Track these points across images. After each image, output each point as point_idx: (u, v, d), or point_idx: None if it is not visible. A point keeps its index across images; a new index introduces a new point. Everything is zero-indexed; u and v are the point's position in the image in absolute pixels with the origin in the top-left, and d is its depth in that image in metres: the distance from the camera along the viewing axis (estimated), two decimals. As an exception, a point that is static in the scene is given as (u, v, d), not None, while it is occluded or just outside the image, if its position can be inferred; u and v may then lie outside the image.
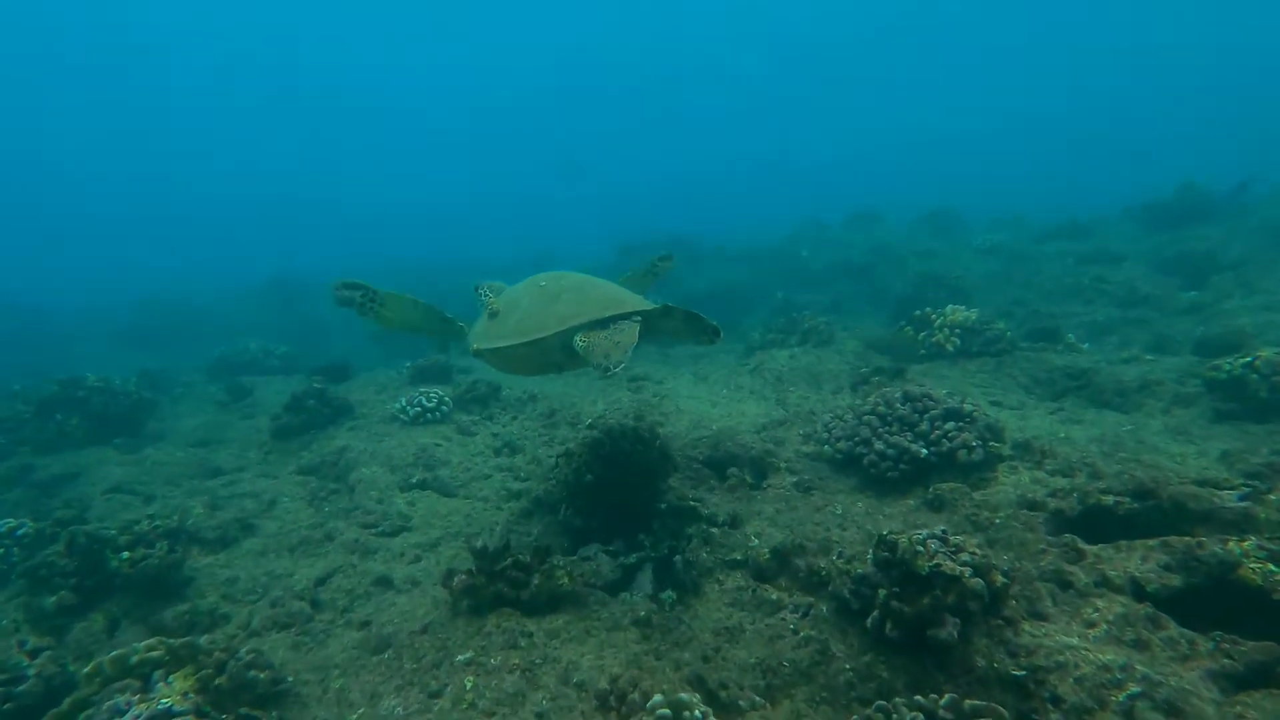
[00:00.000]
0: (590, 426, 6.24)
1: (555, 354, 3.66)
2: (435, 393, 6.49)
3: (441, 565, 4.33)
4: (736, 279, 16.91)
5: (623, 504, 4.57)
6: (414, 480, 5.38)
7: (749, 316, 14.51)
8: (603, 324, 3.42)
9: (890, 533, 3.11)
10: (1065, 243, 13.11)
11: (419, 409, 6.31)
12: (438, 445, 5.85)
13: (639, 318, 3.46)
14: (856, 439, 4.48)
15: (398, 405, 6.43)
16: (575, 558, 4.33)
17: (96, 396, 6.24)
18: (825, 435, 4.77)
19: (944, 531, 3.13)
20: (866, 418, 4.51)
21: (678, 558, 4.12)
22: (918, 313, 7.23)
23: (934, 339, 6.82)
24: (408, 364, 8.94)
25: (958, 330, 6.76)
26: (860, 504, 4.19)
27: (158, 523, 4.03)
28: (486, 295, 4.31)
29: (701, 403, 6.35)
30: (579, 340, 3.39)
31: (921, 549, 2.99)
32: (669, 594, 3.99)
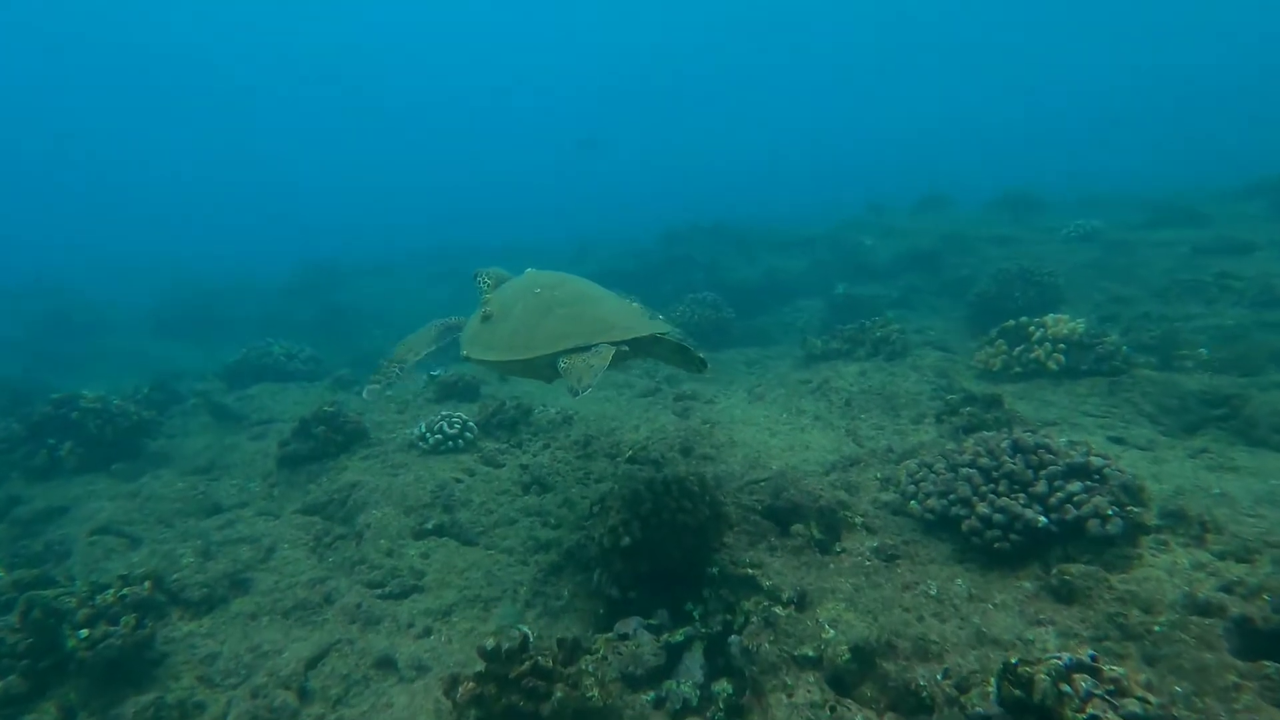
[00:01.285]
0: (630, 460, 5.65)
1: (543, 370, 3.79)
2: (459, 417, 5.96)
3: (455, 643, 3.80)
4: (792, 269, 16.09)
5: (667, 568, 3.98)
6: (430, 525, 4.86)
7: (804, 312, 13.73)
8: (587, 348, 3.49)
9: (1021, 662, 2.41)
10: (1175, 229, 11.86)
11: (440, 436, 5.80)
12: (458, 481, 5.32)
13: (626, 346, 3.53)
14: (952, 497, 3.75)
15: (417, 431, 5.93)
16: (611, 635, 3.76)
17: (91, 419, 5.92)
18: (911, 487, 4.05)
19: (1092, 657, 2.42)
20: (965, 471, 3.78)
21: (733, 639, 3.51)
22: (1011, 323, 6.37)
23: (1032, 355, 5.98)
24: (435, 373, 8.49)
25: (1061, 345, 5.90)
26: (960, 582, 3.48)
27: (125, 592, 3.58)
28: (485, 285, 4.44)
29: (758, 431, 5.67)
30: (562, 362, 3.51)
31: (1069, 690, 2.29)
32: (723, 687, 3.39)
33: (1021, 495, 3.53)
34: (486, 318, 3.96)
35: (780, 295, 15.64)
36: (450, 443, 5.80)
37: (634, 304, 4.11)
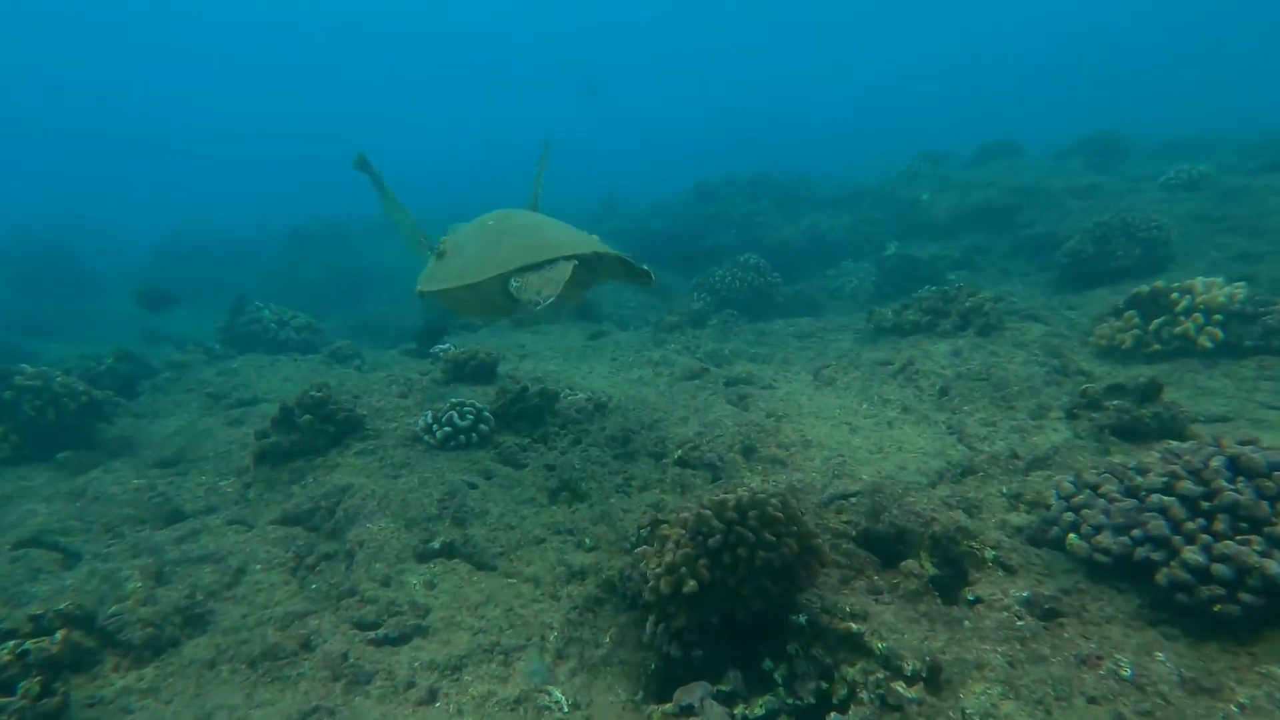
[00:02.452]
0: (681, 462, 4.73)
1: (495, 297, 3.86)
2: (471, 405, 5.10)
3: (467, 717, 2.98)
4: (836, 227, 15.00)
5: (740, 616, 3.13)
6: (436, 544, 4.03)
7: (851, 275, 12.70)
8: (537, 266, 3.62)
9: None
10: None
11: (449, 429, 4.95)
12: (472, 486, 4.48)
13: (575, 261, 3.61)
14: (1138, 534, 2.84)
15: (422, 422, 5.08)
16: (671, 709, 2.94)
17: (28, 399, 5.12)
18: (1066, 513, 3.13)
19: None
20: (1158, 499, 2.85)
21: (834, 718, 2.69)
22: (1144, 289, 5.34)
23: (1177, 329, 4.98)
24: (444, 346, 7.64)
25: (1217, 316, 4.89)
26: (1163, 659, 2.58)
27: (27, 647, 2.79)
28: (444, 237, 4.45)
29: (835, 427, 4.76)
30: (514, 282, 3.61)
31: None
32: (826, 792, 2.55)
33: (1256, 538, 2.60)
34: (440, 255, 4.16)
35: (823, 257, 14.59)
36: (462, 436, 4.96)
37: (583, 231, 4.17)
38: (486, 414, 5.14)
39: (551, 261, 3.66)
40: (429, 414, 5.13)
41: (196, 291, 19.02)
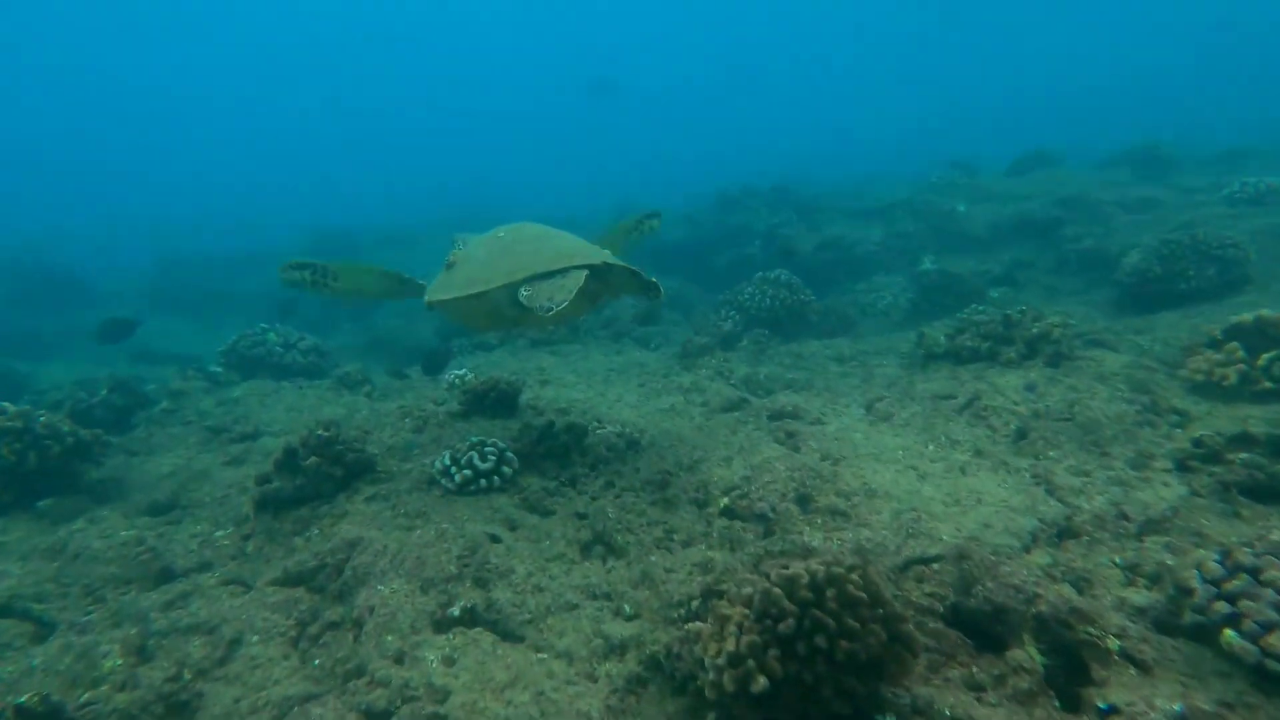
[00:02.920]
0: (728, 512, 4.28)
1: (505, 308, 3.86)
2: (493, 445, 4.67)
3: (494, 845, 2.53)
4: (866, 239, 14.57)
5: (817, 718, 2.69)
6: (456, 610, 3.58)
7: (883, 291, 12.25)
8: (548, 275, 3.65)
9: None
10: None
11: (469, 472, 4.52)
12: (495, 539, 4.04)
13: (587, 270, 3.62)
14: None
15: (440, 463, 4.65)
16: (738, 837, 2.50)
17: (6, 442, 4.68)
18: (1219, 605, 2.65)
19: None
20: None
21: None
22: (1247, 318, 4.82)
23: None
24: (461, 373, 7.24)
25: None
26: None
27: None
28: (457, 246, 4.54)
29: (901, 472, 4.29)
30: (523, 291, 3.63)
31: None
32: None
33: None
34: (449, 266, 4.19)
35: (853, 271, 14.13)
36: (483, 480, 4.52)
37: (592, 244, 4.21)
38: (509, 454, 4.70)
39: (563, 270, 3.68)
40: (447, 455, 4.69)
41: (202, 304, 18.83)
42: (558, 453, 4.82)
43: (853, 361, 7.59)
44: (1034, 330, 5.70)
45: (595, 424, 5.64)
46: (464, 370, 7.31)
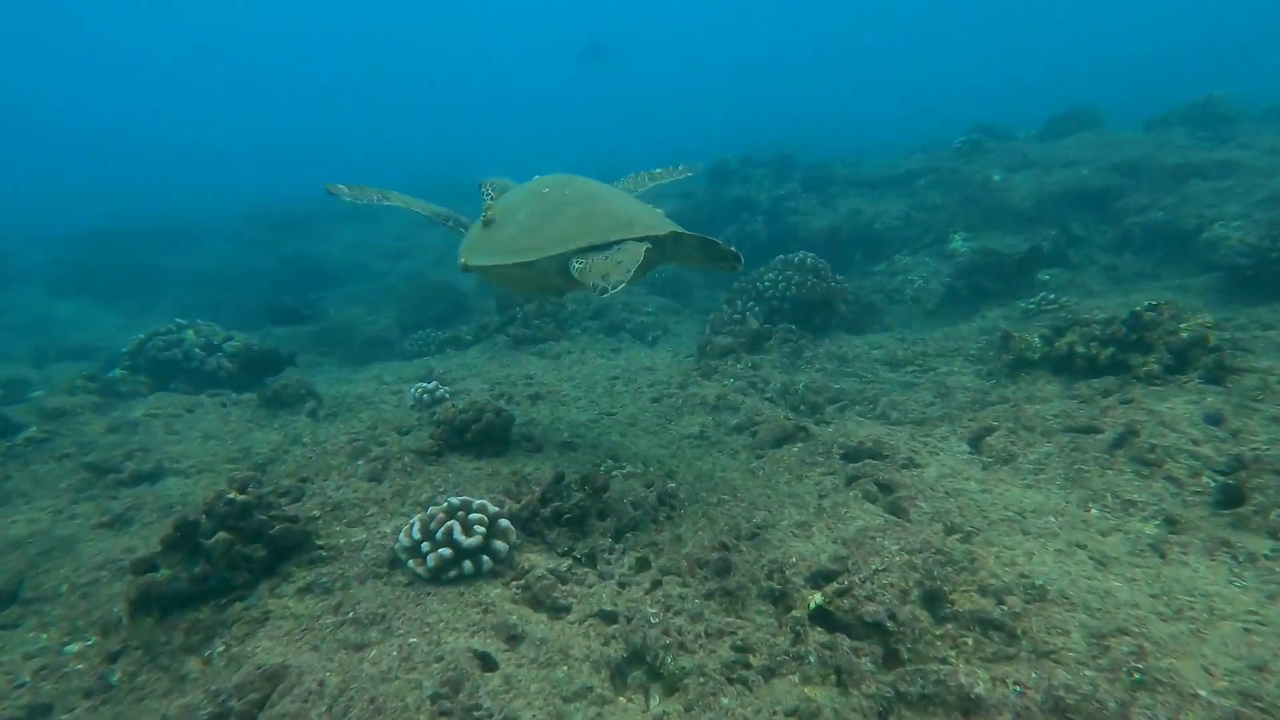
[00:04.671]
0: (822, 617, 3.05)
1: (552, 277, 3.70)
2: (479, 510, 3.47)
3: None
4: (886, 213, 13.51)
5: None
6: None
7: (911, 273, 11.20)
8: (605, 246, 3.43)
9: None
10: None
11: (447, 551, 3.32)
12: (487, 663, 2.85)
13: (648, 243, 3.38)
14: None
15: (406, 537, 3.44)
16: None
17: None
18: None
19: None
20: None
21: None
22: None
23: None
24: (431, 386, 6.01)
25: None
26: None
27: None
28: (488, 194, 4.44)
29: (1064, 554, 3.14)
30: (576, 264, 3.44)
31: None
32: None
33: None
34: (488, 223, 3.91)
35: (871, 250, 13.06)
36: (468, 563, 3.33)
37: (649, 206, 3.97)
38: (504, 523, 3.51)
39: (619, 243, 3.43)
40: (415, 523, 3.48)
41: (121, 285, 17.22)
42: (572, 518, 3.63)
43: (910, 367, 6.49)
44: (1182, 335, 4.60)
45: (609, 463, 4.48)
46: (432, 384, 6.07)
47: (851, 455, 4.29)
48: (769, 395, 5.89)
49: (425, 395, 5.96)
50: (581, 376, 7.02)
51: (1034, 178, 11.97)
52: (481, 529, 3.42)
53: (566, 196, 3.81)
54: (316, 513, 3.87)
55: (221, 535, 3.36)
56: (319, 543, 3.63)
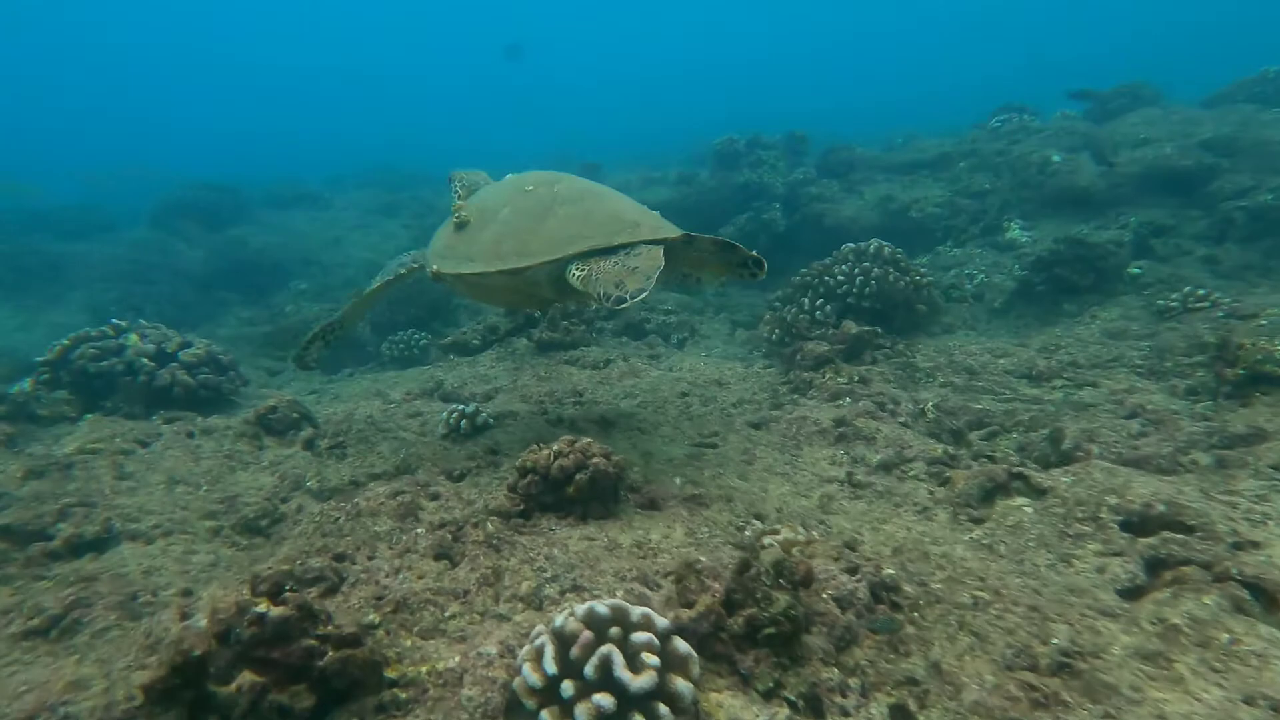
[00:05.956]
0: None
1: (541, 287, 3.52)
2: (644, 624, 2.36)
3: None
4: (924, 199, 12.67)
5: None
6: None
7: (966, 268, 10.38)
8: (609, 251, 3.23)
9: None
10: None
11: (607, 705, 2.20)
12: None
13: (661, 246, 3.23)
14: None
15: (527, 676, 2.28)
16: None
17: None
18: None
19: None
20: None
21: None
22: None
23: None
24: (467, 411, 4.85)
25: None
26: None
27: None
28: (459, 190, 4.17)
29: None
30: (575, 270, 3.23)
31: None
32: None
33: None
34: (462, 225, 3.69)
35: (907, 241, 12.04)
36: (638, 718, 2.23)
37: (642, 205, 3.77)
38: (681, 647, 2.40)
39: (629, 246, 3.24)
40: (544, 644, 2.34)
41: (14, 276, 15.45)
42: (775, 634, 2.53)
43: (1058, 381, 5.54)
44: None
45: (755, 524, 3.41)
46: (469, 407, 4.90)
47: (1136, 525, 3.24)
48: (904, 419, 4.87)
49: (463, 421, 4.79)
50: (641, 392, 5.91)
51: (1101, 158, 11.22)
52: (653, 659, 2.31)
53: (557, 195, 3.55)
54: (374, 616, 2.70)
55: (247, 678, 2.19)
56: (389, 674, 2.47)
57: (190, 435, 4.93)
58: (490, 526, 3.18)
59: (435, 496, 3.67)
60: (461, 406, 4.92)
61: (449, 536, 3.18)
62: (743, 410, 5.39)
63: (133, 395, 5.61)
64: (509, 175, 4.18)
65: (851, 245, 7.96)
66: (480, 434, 4.79)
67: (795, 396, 5.55)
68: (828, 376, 5.72)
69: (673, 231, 3.40)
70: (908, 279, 7.52)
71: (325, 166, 29.40)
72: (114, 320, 6.09)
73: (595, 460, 3.30)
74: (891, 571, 2.85)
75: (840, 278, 7.47)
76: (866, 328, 6.48)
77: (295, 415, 5.12)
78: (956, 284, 10.14)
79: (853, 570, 2.85)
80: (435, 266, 3.68)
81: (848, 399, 5.27)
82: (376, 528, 3.31)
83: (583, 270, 3.22)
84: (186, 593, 3.26)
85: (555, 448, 3.34)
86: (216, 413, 5.66)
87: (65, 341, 5.82)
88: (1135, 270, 8.78)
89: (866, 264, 7.55)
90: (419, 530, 3.25)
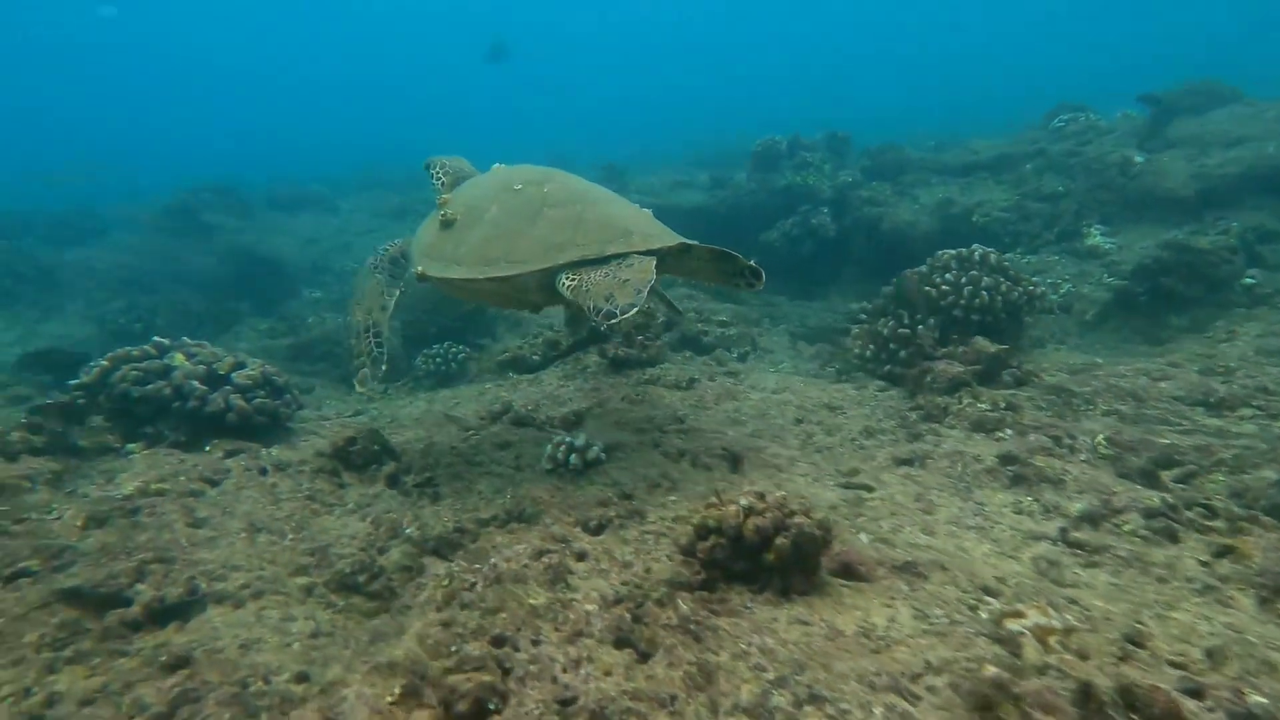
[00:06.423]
0: None
1: (530, 293, 3.57)
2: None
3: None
4: (988, 203, 12.24)
5: None
6: None
7: (1052, 275, 9.96)
8: (600, 261, 3.23)
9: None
10: None
11: None
12: None
13: (654, 258, 3.22)
14: None
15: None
16: None
17: None
18: None
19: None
20: None
21: None
22: None
23: None
24: (577, 444, 4.38)
25: None
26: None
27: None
28: (439, 183, 4.28)
29: None
30: (566, 280, 3.23)
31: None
32: None
33: None
34: (447, 223, 3.68)
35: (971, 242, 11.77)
36: None
37: (635, 206, 3.79)
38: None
39: (621, 257, 3.22)
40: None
41: (8, 285, 14.98)
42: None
43: (1247, 410, 5.01)
44: None
45: (983, 602, 2.92)
46: (580, 440, 4.41)
47: None
48: (1085, 457, 4.38)
49: (572, 455, 4.31)
50: (749, 418, 5.43)
51: (1189, 158, 10.79)
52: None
53: (547, 196, 3.53)
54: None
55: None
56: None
57: (263, 472, 4.43)
58: (684, 606, 2.68)
59: (582, 556, 3.18)
60: (568, 439, 4.43)
61: (627, 616, 2.68)
62: (877, 441, 4.91)
63: (180, 422, 5.12)
64: (497, 165, 4.11)
65: (951, 252, 7.49)
66: (592, 470, 4.30)
67: (933, 426, 5.06)
68: (965, 402, 5.24)
69: (668, 239, 3.37)
70: (1021, 289, 7.05)
71: (318, 167, 29.03)
72: (156, 338, 5.60)
73: (797, 520, 2.80)
74: (1263, 700, 2.27)
75: (946, 288, 7.00)
76: (1001, 346, 5.99)
77: (376, 447, 4.62)
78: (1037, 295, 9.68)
79: (1194, 693, 2.31)
80: (420, 268, 3.66)
81: (1008, 430, 4.78)
82: (531, 600, 2.81)
83: (573, 280, 3.19)
84: (302, 677, 2.77)
85: (743, 502, 2.84)
86: (272, 440, 5.17)
87: (104, 362, 5.31)
88: (1249, 280, 8.36)
89: (975, 272, 7.08)
90: (587, 607, 2.74)
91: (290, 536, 3.80)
